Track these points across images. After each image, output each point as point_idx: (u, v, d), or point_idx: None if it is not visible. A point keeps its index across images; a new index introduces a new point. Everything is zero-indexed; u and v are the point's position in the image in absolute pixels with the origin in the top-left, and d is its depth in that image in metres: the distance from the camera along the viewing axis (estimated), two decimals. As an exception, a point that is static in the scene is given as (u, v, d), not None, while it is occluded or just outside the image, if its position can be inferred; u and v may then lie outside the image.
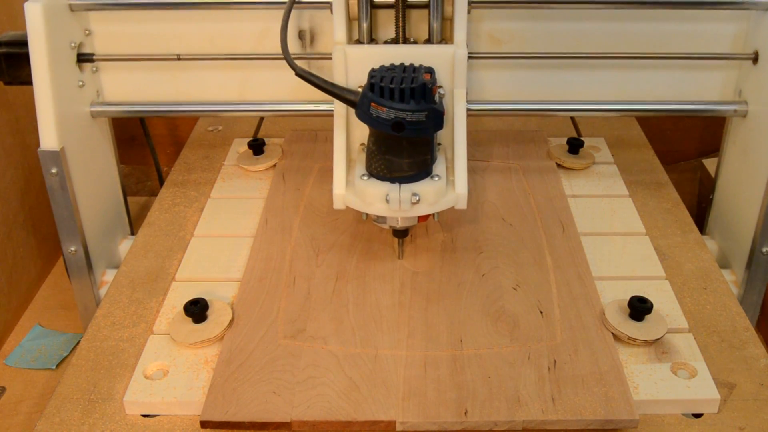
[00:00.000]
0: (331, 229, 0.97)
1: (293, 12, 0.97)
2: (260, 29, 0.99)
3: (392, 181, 0.80)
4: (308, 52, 1.00)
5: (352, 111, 0.81)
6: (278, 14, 0.96)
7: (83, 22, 0.98)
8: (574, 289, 0.85)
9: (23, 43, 0.89)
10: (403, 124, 0.75)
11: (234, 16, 0.98)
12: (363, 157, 0.84)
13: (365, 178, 0.82)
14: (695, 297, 0.87)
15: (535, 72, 1.01)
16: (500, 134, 1.19)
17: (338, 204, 0.84)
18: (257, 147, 1.14)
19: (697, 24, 0.97)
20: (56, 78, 0.90)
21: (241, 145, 1.18)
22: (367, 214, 0.84)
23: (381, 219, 0.85)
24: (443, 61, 0.84)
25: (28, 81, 0.91)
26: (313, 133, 1.20)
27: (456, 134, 0.84)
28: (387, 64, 0.80)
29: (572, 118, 1.26)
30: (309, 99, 1.01)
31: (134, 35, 0.99)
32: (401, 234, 0.88)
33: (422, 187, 0.80)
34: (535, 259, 0.90)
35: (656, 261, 0.92)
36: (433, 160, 0.82)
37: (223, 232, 0.98)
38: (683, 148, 1.49)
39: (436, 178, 0.81)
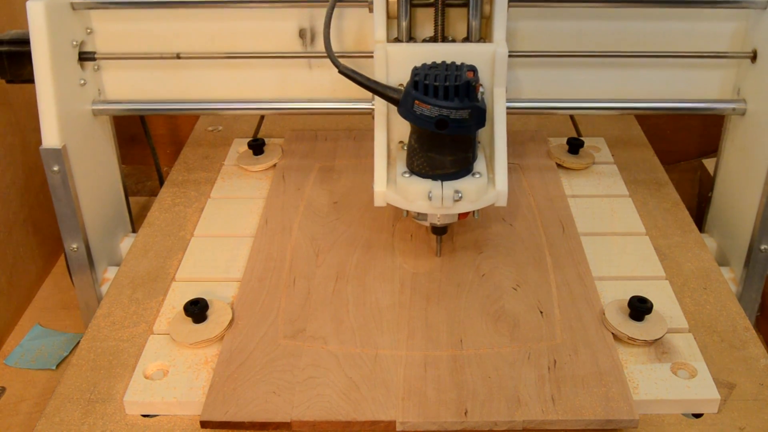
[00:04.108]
0: (331, 229, 0.97)
1: (294, 10, 0.97)
2: (261, 28, 0.99)
3: (434, 178, 0.81)
4: (308, 51, 1.00)
5: (393, 108, 0.82)
6: (279, 13, 0.98)
7: (85, 21, 0.98)
8: (574, 289, 0.85)
9: (25, 42, 0.90)
10: (446, 121, 0.75)
11: (235, 15, 0.98)
12: (402, 154, 0.85)
13: (406, 175, 0.82)
14: (695, 297, 0.87)
15: (534, 70, 1.01)
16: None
17: (379, 201, 0.84)
18: (257, 147, 1.14)
19: (696, 22, 0.97)
20: (58, 76, 0.91)
21: (241, 145, 1.18)
22: (407, 212, 0.84)
23: (422, 216, 0.85)
24: (483, 59, 0.84)
25: (30, 79, 0.92)
26: (313, 133, 1.20)
27: (496, 132, 0.84)
28: (428, 62, 0.80)
29: (572, 118, 1.26)
30: (309, 97, 1.01)
31: (136, 34, 1.00)
32: (440, 231, 0.88)
33: (464, 184, 0.81)
34: (535, 259, 0.90)
35: (656, 261, 0.92)
36: (474, 157, 0.83)
37: (223, 232, 0.98)
38: (683, 148, 1.49)
39: (477, 176, 0.82)
